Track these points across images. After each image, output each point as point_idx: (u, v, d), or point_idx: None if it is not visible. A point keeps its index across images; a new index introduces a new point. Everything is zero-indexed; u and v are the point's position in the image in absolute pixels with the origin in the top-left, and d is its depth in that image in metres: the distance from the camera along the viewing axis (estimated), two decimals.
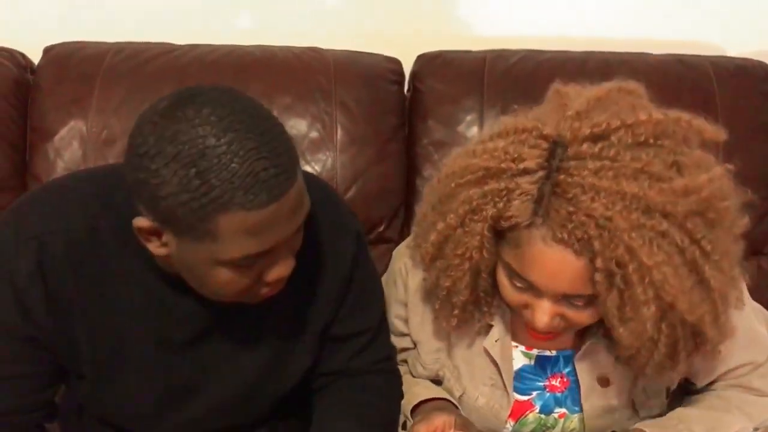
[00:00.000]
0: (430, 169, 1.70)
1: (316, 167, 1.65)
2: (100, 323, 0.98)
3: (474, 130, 1.64)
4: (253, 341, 1.04)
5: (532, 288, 0.96)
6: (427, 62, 1.75)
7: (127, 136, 1.48)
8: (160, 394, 1.05)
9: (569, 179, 0.90)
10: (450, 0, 1.87)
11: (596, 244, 0.88)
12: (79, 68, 1.68)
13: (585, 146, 0.91)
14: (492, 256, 0.98)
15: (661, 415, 1.14)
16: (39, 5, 1.83)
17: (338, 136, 1.65)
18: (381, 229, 1.68)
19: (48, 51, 1.72)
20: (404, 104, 1.74)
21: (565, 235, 0.89)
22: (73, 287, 0.96)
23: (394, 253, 1.25)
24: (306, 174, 1.12)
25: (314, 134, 1.65)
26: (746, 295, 1.13)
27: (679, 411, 1.13)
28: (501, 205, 0.93)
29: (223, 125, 0.80)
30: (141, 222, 0.85)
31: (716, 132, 0.98)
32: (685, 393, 1.19)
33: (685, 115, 0.96)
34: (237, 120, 0.81)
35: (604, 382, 1.11)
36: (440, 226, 1.00)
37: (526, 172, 0.92)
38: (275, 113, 1.58)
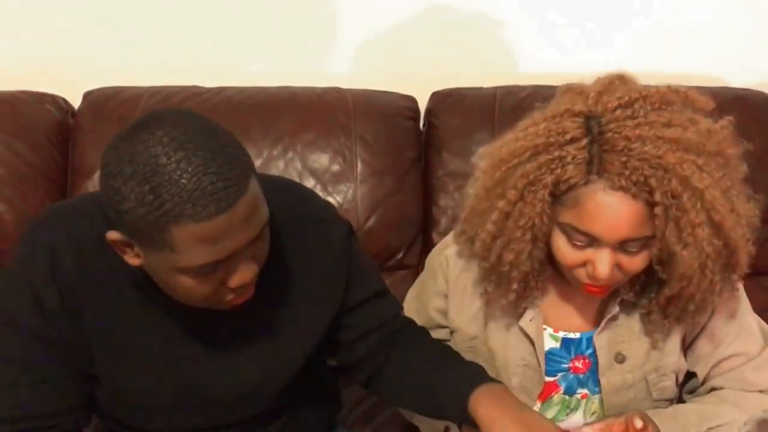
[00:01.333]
0: (445, 199, 1.79)
1: (338, 198, 1.74)
2: (109, 325, 1.06)
3: None
4: (253, 334, 1.10)
5: (592, 242, 1.05)
6: (441, 99, 1.86)
7: None
8: (170, 392, 1.11)
9: (615, 136, 1.01)
10: (461, 40, 1.98)
11: (653, 182, 1.00)
12: (117, 111, 1.79)
13: (618, 112, 1.03)
14: (551, 221, 1.08)
15: (672, 400, 1.23)
16: (78, 53, 1.95)
17: (358, 169, 1.75)
18: (400, 256, 1.77)
19: (88, 95, 1.84)
20: (420, 138, 1.84)
21: (623, 182, 1.00)
22: (82, 291, 1.04)
23: (430, 255, 1.35)
24: (282, 181, 1.25)
25: (336, 167, 1.75)
26: (742, 291, 1.23)
27: (677, 405, 1.22)
28: (558, 171, 1.04)
29: (175, 145, 0.87)
30: (113, 235, 0.94)
31: (706, 101, 1.12)
32: (689, 392, 1.27)
33: (679, 87, 1.11)
34: (188, 140, 0.88)
35: (620, 358, 1.20)
36: (501, 204, 1.10)
37: (572, 140, 1.03)
38: (299, 149, 1.76)
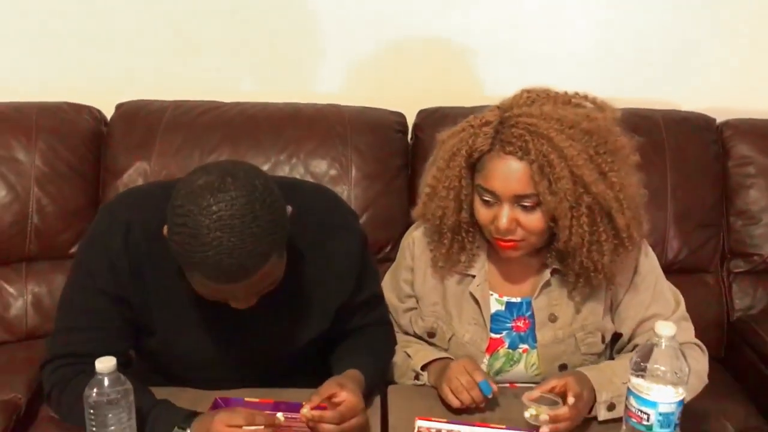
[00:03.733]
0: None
1: None
2: (166, 293, 1.32)
3: None
4: (276, 310, 1.35)
5: (495, 199, 1.35)
6: (427, 116, 2.11)
7: (182, 174, 1.89)
8: (207, 350, 1.38)
9: (513, 117, 1.34)
10: (446, 65, 2.24)
11: (530, 145, 1.30)
12: (145, 121, 2.05)
13: (522, 103, 1.38)
14: (468, 186, 1.39)
15: (600, 355, 1.49)
16: (111, 71, 2.21)
17: (353, 174, 2.01)
18: (387, 250, 2.01)
19: (119, 107, 2.10)
20: (408, 149, 2.10)
21: (511, 147, 1.32)
22: (147, 262, 1.30)
23: (403, 238, 1.63)
24: (316, 187, 1.55)
25: (333, 172, 2.01)
26: (656, 264, 1.49)
27: (607, 362, 1.48)
28: (470, 142, 1.35)
29: (219, 224, 1.09)
30: (166, 231, 1.19)
31: (607, 104, 1.43)
32: (618, 351, 1.52)
33: (589, 95, 1.43)
34: (230, 224, 1.09)
35: (552, 318, 1.47)
36: (434, 171, 1.44)
37: (486, 123, 1.36)
38: (302, 155, 2.04)
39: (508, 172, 1.33)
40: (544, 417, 1.27)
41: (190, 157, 2.01)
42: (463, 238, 1.46)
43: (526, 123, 1.32)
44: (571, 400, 1.28)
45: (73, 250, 2.01)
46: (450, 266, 1.49)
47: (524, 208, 1.35)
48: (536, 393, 1.31)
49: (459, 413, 1.36)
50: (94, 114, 2.11)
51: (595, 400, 1.34)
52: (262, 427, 1.17)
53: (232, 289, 1.17)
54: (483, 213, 1.39)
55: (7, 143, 1.97)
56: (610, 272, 1.39)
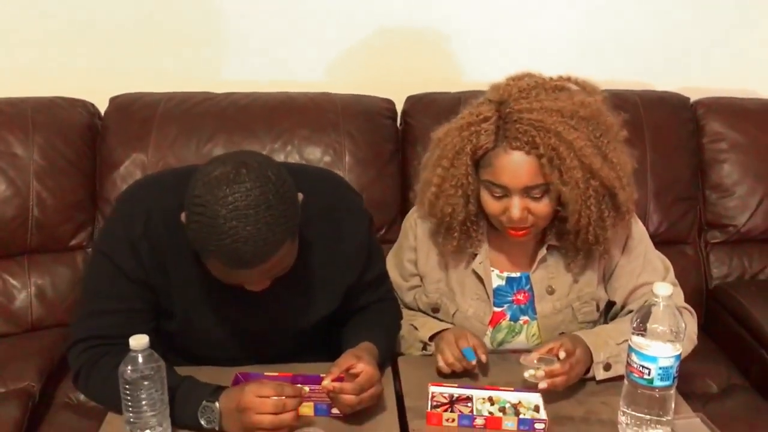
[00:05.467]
0: (418, 184, 2.11)
1: None
2: (185, 276, 1.37)
3: None
4: (288, 291, 1.40)
5: (505, 192, 1.41)
6: (415, 102, 2.18)
7: (179, 164, 1.93)
8: (224, 329, 1.43)
9: (513, 112, 1.38)
10: (433, 52, 2.31)
11: (537, 140, 1.35)
12: (140, 113, 2.09)
13: (517, 96, 1.41)
14: (474, 182, 1.44)
15: (595, 323, 1.57)
16: (102, 65, 2.24)
17: (346, 159, 2.07)
18: (382, 232, 2.08)
19: (114, 100, 2.13)
20: (398, 135, 2.17)
21: (518, 143, 1.37)
22: (167, 247, 1.35)
23: (405, 219, 1.70)
24: (324, 173, 1.59)
25: (327, 158, 2.07)
26: (645, 235, 1.58)
27: (602, 326, 1.56)
28: (474, 140, 1.40)
29: (235, 213, 1.14)
30: (183, 218, 1.24)
31: (592, 84, 1.48)
32: (611, 318, 1.61)
33: (571, 76, 1.48)
34: (245, 214, 1.14)
35: (550, 290, 1.55)
36: (439, 171, 1.47)
37: (485, 119, 1.40)
38: (296, 143, 2.10)
39: (517, 167, 1.38)
40: (540, 374, 1.35)
41: (187, 147, 2.05)
42: (468, 228, 1.52)
43: (530, 119, 1.36)
44: (562, 354, 1.36)
45: (74, 242, 2.06)
46: (457, 256, 1.56)
47: (533, 197, 1.41)
48: (534, 355, 1.39)
49: (446, 377, 1.44)
50: (88, 108, 2.14)
51: (591, 362, 1.43)
52: (291, 397, 1.23)
53: (247, 273, 1.23)
54: (493, 206, 1.44)
55: (4, 139, 1.99)
56: (608, 243, 1.48)
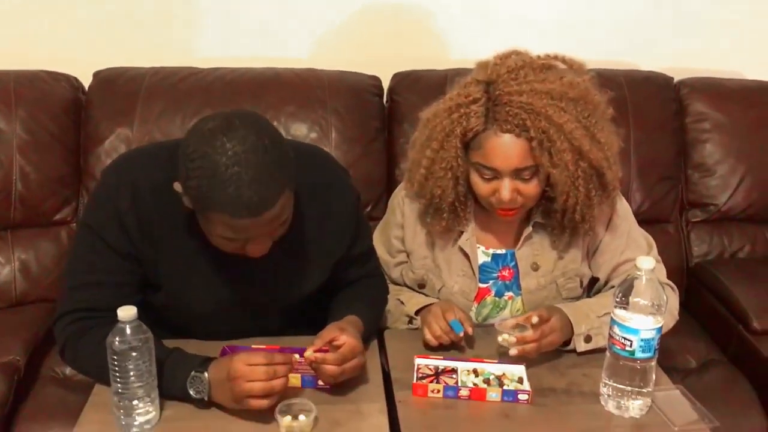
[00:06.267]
0: (406, 163, 2.11)
1: None
2: (174, 248, 1.37)
3: None
4: (276, 265, 1.41)
5: (495, 174, 1.41)
6: (402, 79, 2.19)
7: (165, 139, 1.90)
8: (212, 302, 1.43)
9: (502, 94, 1.38)
10: (419, 30, 2.31)
11: (528, 123, 1.36)
12: (125, 87, 2.08)
13: (506, 77, 1.40)
14: (464, 164, 1.44)
15: (578, 298, 1.59)
16: (85, 39, 2.22)
17: (332, 136, 2.07)
18: (368, 209, 2.09)
19: (97, 74, 2.12)
20: (384, 112, 2.17)
21: (508, 126, 1.37)
22: (155, 219, 1.34)
23: (391, 196, 1.70)
24: (312, 149, 1.58)
25: (314, 135, 2.07)
26: (629, 212, 1.59)
27: (584, 299, 1.58)
28: (464, 123, 1.40)
29: (235, 159, 1.14)
30: (177, 187, 1.24)
31: (580, 63, 1.48)
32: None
33: (558, 54, 1.47)
34: (245, 158, 1.14)
35: (535, 267, 1.57)
36: (428, 152, 1.47)
37: (474, 101, 1.40)
38: (283, 119, 2.10)
39: (508, 149, 1.39)
40: (512, 339, 1.38)
41: (172, 122, 2.05)
42: (457, 208, 1.53)
43: (520, 101, 1.36)
44: (534, 319, 1.38)
45: (58, 216, 2.05)
46: (445, 235, 1.57)
47: (523, 178, 1.41)
48: (511, 321, 1.42)
49: (432, 350, 1.46)
50: (72, 82, 2.12)
51: (571, 333, 1.45)
52: (281, 364, 1.23)
53: (252, 225, 1.20)
54: (483, 187, 1.45)
55: None
56: (594, 221, 1.50)
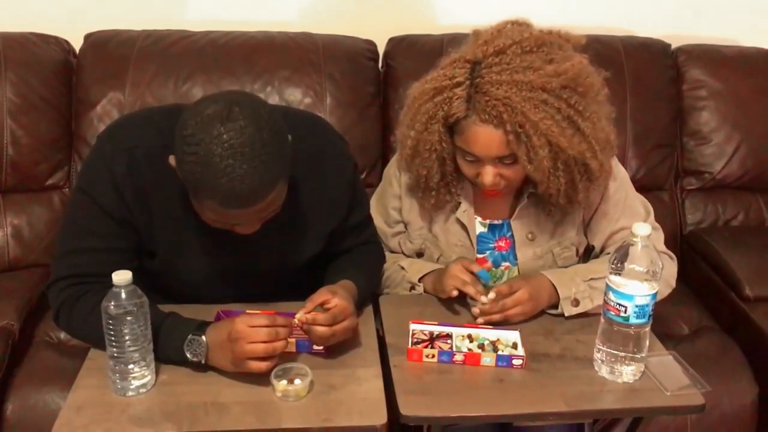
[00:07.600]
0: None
1: None
2: (169, 215, 1.36)
3: None
4: (273, 233, 1.40)
5: (476, 159, 1.42)
6: (397, 43, 2.16)
7: (157, 104, 1.87)
8: (208, 268, 1.43)
9: (483, 81, 1.35)
10: None
11: (505, 117, 1.34)
12: (116, 51, 2.05)
13: (491, 59, 1.37)
14: (449, 146, 1.44)
15: None
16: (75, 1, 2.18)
17: (327, 102, 2.05)
18: (363, 176, 2.08)
19: (88, 37, 2.09)
20: (379, 77, 2.15)
21: (486, 116, 1.35)
22: (151, 186, 1.33)
23: (387, 165, 1.69)
24: (310, 117, 1.56)
25: (308, 100, 2.05)
26: (626, 179, 1.58)
27: (572, 266, 1.57)
28: (446, 107, 1.38)
29: (230, 151, 1.13)
30: (172, 161, 1.23)
31: (578, 37, 1.45)
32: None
33: (556, 30, 1.42)
34: (241, 152, 1.13)
35: (531, 236, 1.57)
36: (412, 133, 1.46)
37: (458, 84, 1.38)
38: (276, 84, 2.07)
39: (487, 139, 1.37)
40: (475, 311, 1.43)
41: (165, 86, 2.03)
42: (448, 184, 1.52)
43: (498, 94, 1.33)
44: (491, 295, 1.40)
45: (50, 181, 2.04)
46: (438, 209, 1.57)
47: (505, 163, 1.40)
48: (492, 296, 1.42)
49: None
50: (62, 44, 2.09)
51: (557, 299, 1.46)
52: (283, 327, 1.24)
53: (241, 214, 1.21)
54: (467, 169, 1.45)
55: None
56: (584, 200, 1.49)
